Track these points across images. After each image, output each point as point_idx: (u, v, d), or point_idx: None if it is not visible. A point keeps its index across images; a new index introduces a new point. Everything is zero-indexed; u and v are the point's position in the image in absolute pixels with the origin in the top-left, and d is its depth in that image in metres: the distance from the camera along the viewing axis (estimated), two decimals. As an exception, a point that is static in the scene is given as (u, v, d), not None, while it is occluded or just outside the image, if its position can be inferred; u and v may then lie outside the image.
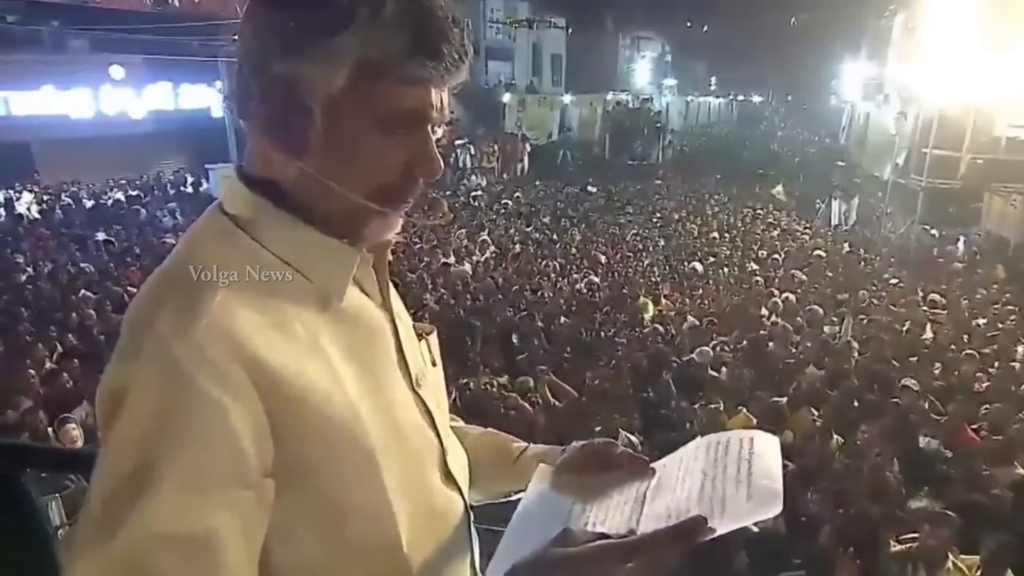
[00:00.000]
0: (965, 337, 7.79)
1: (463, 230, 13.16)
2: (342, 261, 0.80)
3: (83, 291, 8.37)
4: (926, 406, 5.54)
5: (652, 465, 0.89)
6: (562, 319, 8.11)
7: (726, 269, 11.78)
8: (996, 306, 9.16)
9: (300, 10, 0.71)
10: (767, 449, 0.81)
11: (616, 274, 11.07)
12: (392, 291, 0.91)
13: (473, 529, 0.95)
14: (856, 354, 6.97)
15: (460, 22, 0.76)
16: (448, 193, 17.58)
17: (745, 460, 0.80)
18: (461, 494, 0.92)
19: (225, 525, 0.64)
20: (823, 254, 12.87)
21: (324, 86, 0.72)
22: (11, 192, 14.83)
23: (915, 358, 6.72)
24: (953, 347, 7.32)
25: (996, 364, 6.74)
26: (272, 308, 0.74)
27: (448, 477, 0.90)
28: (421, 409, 0.88)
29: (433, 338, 0.97)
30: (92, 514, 0.64)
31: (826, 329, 8.10)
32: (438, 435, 0.90)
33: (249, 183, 0.79)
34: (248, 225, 0.77)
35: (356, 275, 0.82)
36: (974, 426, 5.30)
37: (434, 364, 0.95)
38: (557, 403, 5.52)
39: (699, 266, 11.65)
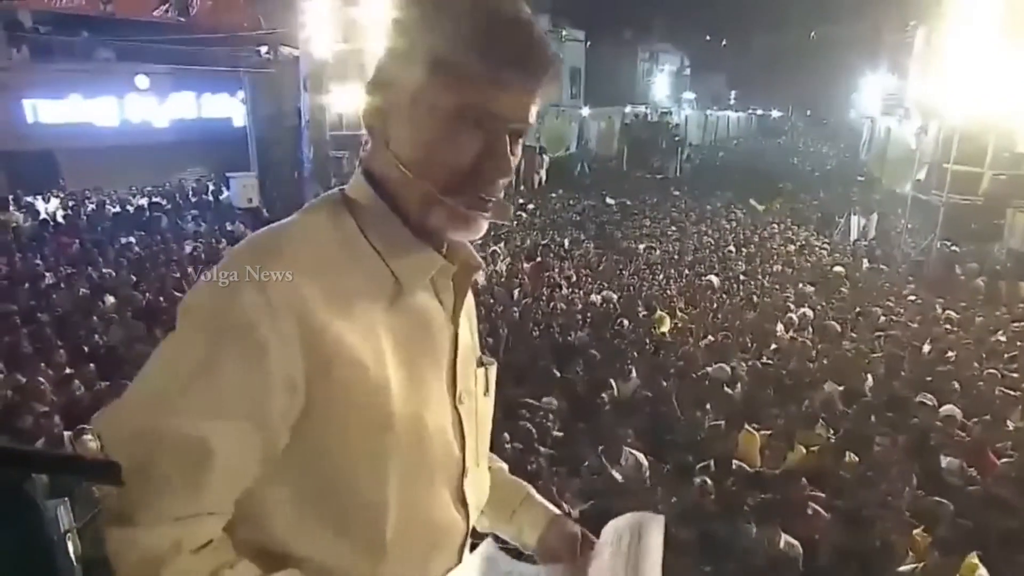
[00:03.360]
0: (984, 355, 7.65)
1: (478, 241, 13.16)
2: (425, 262, 0.87)
3: (108, 295, 8.48)
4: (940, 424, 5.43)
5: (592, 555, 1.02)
6: (577, 332, 8.08)
7: (742, 283, 11.69)
8: (1017, 324, 9.00)
9: (405, 16, 0.82)
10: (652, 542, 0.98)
11: (632, 287, 11.03)
12: (469, 314, 0.97)
13: (465, 555, 0.96)
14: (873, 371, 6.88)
15: (539, 31, 0.80)
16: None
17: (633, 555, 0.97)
18: (466, 520, 0.94)
19: (222, 445, 0.73)
20: (841, 269, 12.73)
21: (408, 79, 0.80)
22: (37, 198, 15.10)
23: (930, 379, 6.61)
24: (976, 365, 7.19)
25: (1017, 381, 6.61)
26: (344, 285, 0.80)
27: (460, 500, 0.92)
28: (455, 425, 0.90)
29: (493, 370, 1.00)
30: (128, 393, 0.78)
31: (845, 344, 8.00)
32: (464, 456, 0.92)
33: (367, 176, 0.87)
34: (358, 212, 0.86)
35: (436, 282, 0.89)
36: (999, 445, 5.22)
37: (486, 393, 0.99)
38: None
39: (715, 280, 11.57)
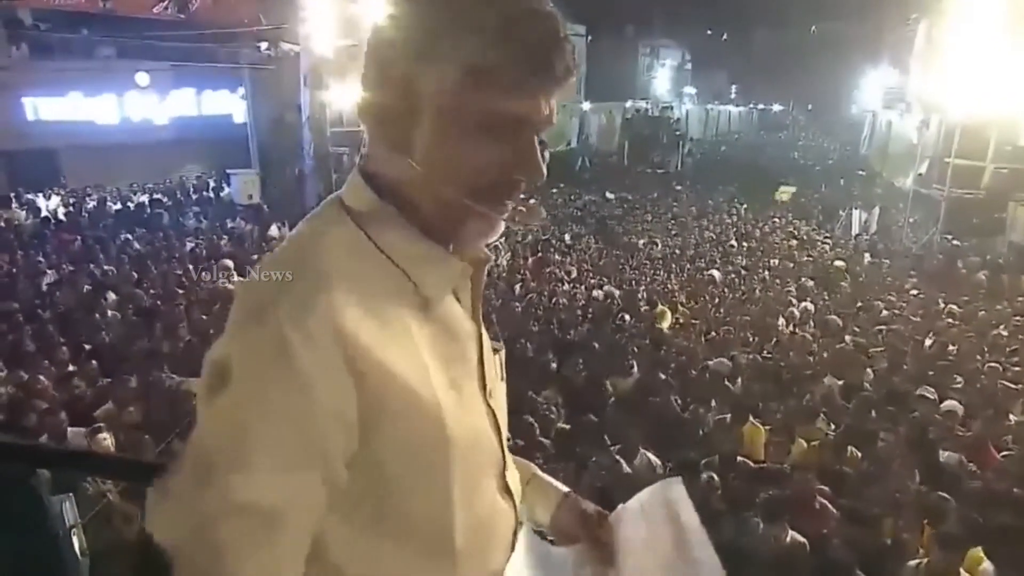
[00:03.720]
0: (986, 349, 7.65)
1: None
2: (446, 270, 0.84)
3: (110, 292, 8.49)
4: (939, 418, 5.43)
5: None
6: (578, 327, 8.08)
7: (744, 278, 11.68)
8: (1019, 318, 8.99)
9: (422, 14, 0.77)
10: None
11: (633, 282, 11.03)
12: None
13: (519, 542, 0.98)
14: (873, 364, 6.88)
15: (567, 34, 0.78)
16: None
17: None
18: (515, 510, 0.95)
19: (292, 504, 0.70)
20: (843, 264, 12.72)
21: (436, 87, 0.76)
22: (39, 196, 15.12)
23: (932, 372, 6.61)
24: (979, 358, 7.19)
25: (1019, 375, 6.61)
26: (377, 305, 0.77)
27: (505, 490, 0.93)
28: (491, 420, 0.90)
29: (502, 355, 1.00)
30: (183, 472, 0.72)
31: (847, 338, 8.00)
32: (502, 448, 0.93)
33: (367, 179, 0.83)
34: (364, 220, 0.81)
35: (454, 284, 0.86)
36: (1004, 438, 5.22)
37: (502, 379, 0.98)
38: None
39: (717, 274, 11.57)
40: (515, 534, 0.96)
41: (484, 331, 0.94)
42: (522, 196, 0.84)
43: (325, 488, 0.72)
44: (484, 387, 0.90)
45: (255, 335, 0.71)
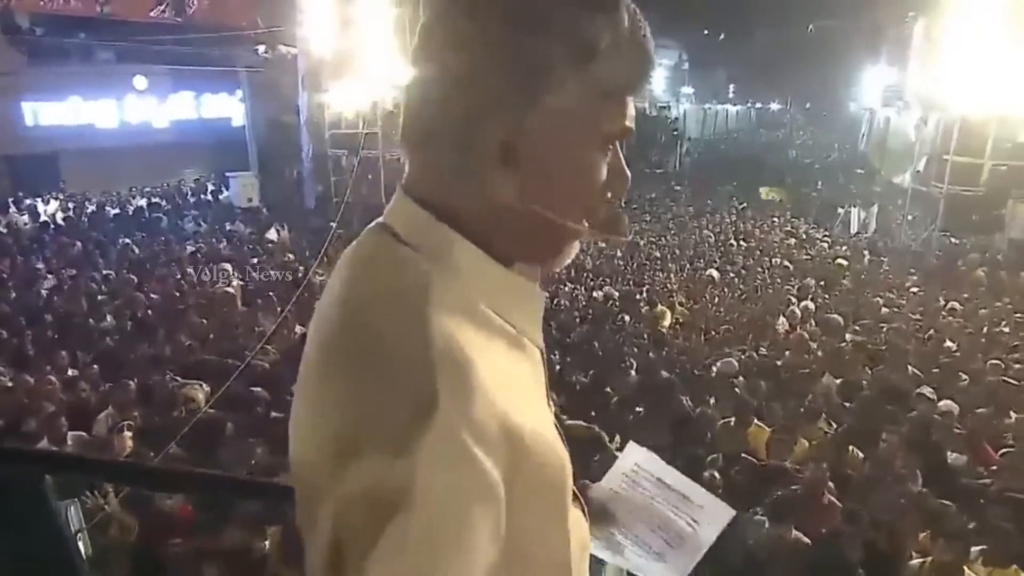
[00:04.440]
0: (988, 346, 7.65)
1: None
2: (533, 303, 0.77)
3: (109, 297, 8.48)
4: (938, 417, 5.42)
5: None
6: (578, 328, 8.08)
7: (743, 277, 11.69)
8: (1019, 315, 9.00)
9: (549, 39, 0.66)
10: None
11: (632, 282, 11.03)
12: None
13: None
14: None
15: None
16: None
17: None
18: (583, 508, 0.92)
19: None
20: (844, 262, 12.73)
21: (557, 106, 0.68)
22: (38, 200, 15.12)
23: (936, 369, 6.61)
24: (980, 356, 7.20)
25: (1020, 372, 6.61)
26: (491, 356, 0.66)
27: (574, 496, 0.90)
28: (563, 442, 0.85)
29: None
30: None
31: (847, 337, 8.00)
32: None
33: (426, 206, 0.72)
34: (436, 260, 0.69)
35: (540, 314, 0.79)
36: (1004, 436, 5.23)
37: None
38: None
39: (716, 274, 11.58)
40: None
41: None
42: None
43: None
44: (550, 405, 0.84)
45: (432, 444, 0.57)
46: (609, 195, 0.75)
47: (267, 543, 3.49)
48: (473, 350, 0.63)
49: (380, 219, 0.76)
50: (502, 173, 0.69)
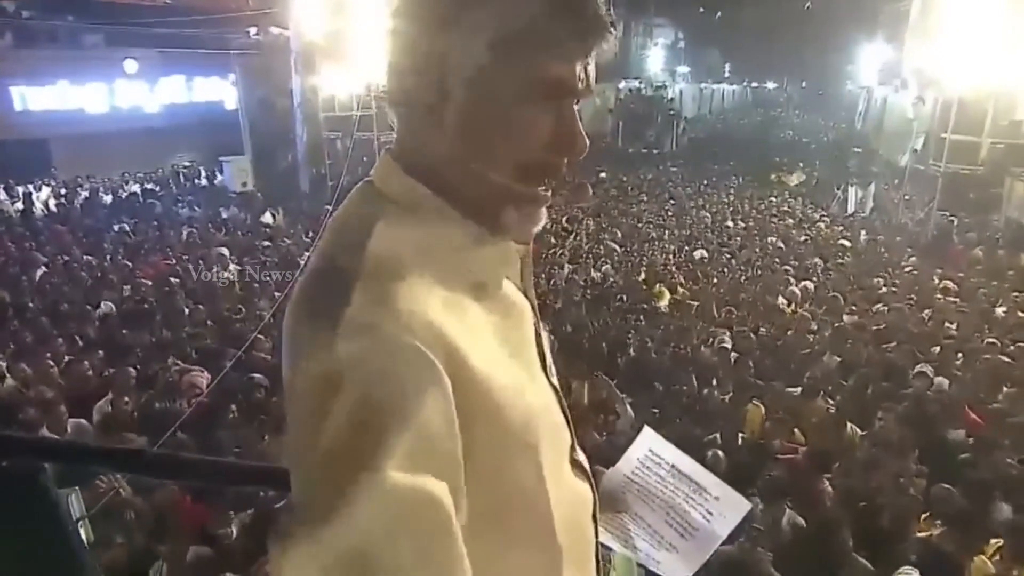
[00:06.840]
0: (986, 326, 7.66)
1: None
2: (502, 254, 0.82)
3: (103, 284, 8.44)
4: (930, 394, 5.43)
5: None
6: (577, 308, 8.08)
7: (742, 257, 11.68)
8: (1017, 294, 9.02)
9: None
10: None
11: (630, 263, 11.01)
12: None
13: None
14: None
15: None
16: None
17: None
18: (589, 482, 0.93)
19: (445, 496, 0.61)
20: (846, 243, 12.73)
21: (467, 59, 0.71)
22: (29, 187, 15.00)
23: (937, 348, 6.62)
24: (977, 335, 7.21)
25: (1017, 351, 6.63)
26: (449, 295, 0.72)
27: (576, 465, 0.91)
28: (555, 397, 0.88)
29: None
30: (310, 502, 0.59)
31: (845, 317, 8.01)
32: (569, 425, 0.91)
33: (403, 166, 0.79)
34: (407, 210, 0.76)
35: (508, 267, 0.84)
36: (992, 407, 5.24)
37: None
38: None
39: (713, 253, 11.56)
40: (595, 511, 0.94)
41: (536, 309, 0.91)
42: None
43: (458, 481, 0.64)
44: (544, 365, 0.87)
45: (354, 339, 0.63)
46: (557, 156, 0.77)
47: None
48: (423, 281, 0.70)
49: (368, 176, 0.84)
50: (439, 129, 0.74)
